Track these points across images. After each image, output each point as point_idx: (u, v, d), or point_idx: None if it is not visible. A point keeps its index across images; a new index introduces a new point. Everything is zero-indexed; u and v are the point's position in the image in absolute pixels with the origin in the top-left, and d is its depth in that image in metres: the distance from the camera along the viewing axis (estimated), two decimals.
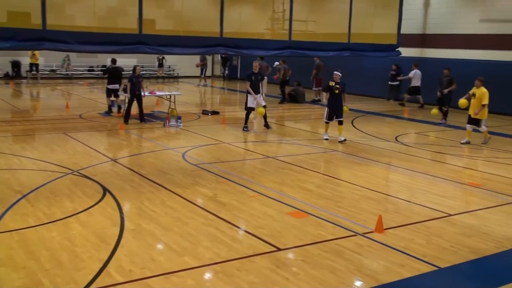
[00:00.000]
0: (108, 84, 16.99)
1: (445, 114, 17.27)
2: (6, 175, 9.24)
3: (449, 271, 5.91)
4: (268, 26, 19.06)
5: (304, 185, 9.27)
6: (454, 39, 21.41)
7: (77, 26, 14.51)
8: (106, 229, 6.74)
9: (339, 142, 13.27)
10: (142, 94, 15.32)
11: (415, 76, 21.29)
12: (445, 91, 16.90)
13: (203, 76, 29.48)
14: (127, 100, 15.44)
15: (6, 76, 28.62)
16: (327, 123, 13.74)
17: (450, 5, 21.80)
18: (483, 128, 13.68)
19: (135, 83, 14.97)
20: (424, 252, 6.34)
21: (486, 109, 13.46)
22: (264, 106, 15.11)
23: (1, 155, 10.80)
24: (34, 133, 13.69)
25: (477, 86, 13.51)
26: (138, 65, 15.59)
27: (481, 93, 13.32)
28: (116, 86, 16.72)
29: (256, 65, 15.41)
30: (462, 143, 13.61)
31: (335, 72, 13.56)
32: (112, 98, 16.88)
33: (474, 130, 13.80)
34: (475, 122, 13.60)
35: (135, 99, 15.16)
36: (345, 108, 13.68)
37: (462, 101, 14.13)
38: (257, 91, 14.99)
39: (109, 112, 17.00)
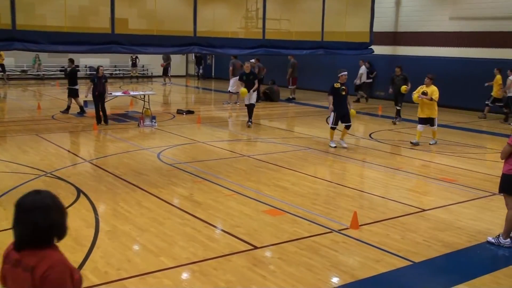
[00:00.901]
0: (72, 85, 16.80)
1: (398, 112, 16.70)
2: None
3: (424, 265, 6.00)
4: (241, 25, 19.07)
5: (280, 183, 9.30)
6: (425, 37, 21.72)
7: (48, 26, 14.30)
8: (81, 231, 6.66)
9: (343, 147, 12.38)
10: (106, 95, 14.96)
11: (364, 73, 22.05)
12: (404, 87, 15.74)
13: (168, 75, 29.31)
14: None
15: None
16: (333, 129, 12.51)
17: (421, 3, 22.10)
18: (435, 128, 13.18)
19: (97, 84, 14.67)
20: (399, 247, 6.43)
21: (436, 107, 12.97)
22: (252, 105, 15.44)
23: None
24: (5, 134, 13.44)
25: (427, 84, 12.92)
26: (101, 66, 15.28)
27: (432, 90, 12.77)
28: (77, 86, 16.71)
29: (247, 66, 15.64)
30: (412, 143, 13.06)
31: (342, 72, 12.33)
32: (80, 99, 16.73)
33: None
34: (426, 121, 12.98)
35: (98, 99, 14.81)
36: (352, 111, 12.74)
37: (403, 88, 15.21)
38: (249, 90, 15.16)
39: (82, 112, 16.81)
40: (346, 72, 12.33)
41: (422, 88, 12.95)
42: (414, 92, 13.21)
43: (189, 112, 17.93)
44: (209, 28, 17.23)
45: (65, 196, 8.12)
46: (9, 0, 13.01)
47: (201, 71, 33.46)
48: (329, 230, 6.97)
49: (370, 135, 14.50)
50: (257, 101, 21.88)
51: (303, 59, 23.28)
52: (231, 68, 21.15)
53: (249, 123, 15.35)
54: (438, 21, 21.13)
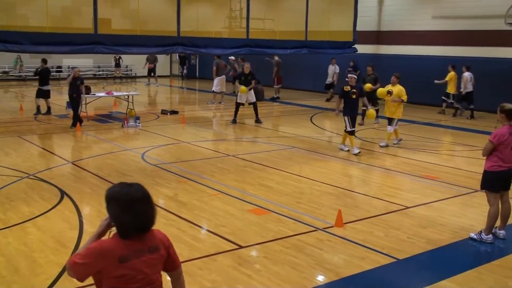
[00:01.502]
0: (42, 85, 16.57)
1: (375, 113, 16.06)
2: None
3: (407, 262, 6.06)
4: (225, 25, 19.04)
5: (264, 182, 9.32)
6: (408, 36, 21.88)
7: (30, 26, 14.16)
8: (64, 233, 6.62)
9: (355, 154, 11.65)
10: (81, 98, 14.71)
11: (333, 72, 22.28)
12: (373, 88, 15.03)
13: (155, 76, 29.07)
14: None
15: None
16: (350, 133, 11.81)
17: (404, 3, 22.27)
18: (395, 128, 12.69)
19: (73, 86, 14.41)
20: (383, 245, 6.48)
21: (402, 108, 12.59)
22: (254, 103, 15.67)
23: None
24: None
25: (394, 83, 12.60)
26: (76, 68, 15.05)
27: (399, 90, 12.42)
28: (49, 87, 16.54)
29: (247, 67, 15.77)
30: (381, 146, 12.61)
31: (349, 74, 12.01)
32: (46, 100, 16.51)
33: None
34: (388, 120, 12.69)
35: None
36: (371, 111, 12.69)
37: (368, 85, 14.66)
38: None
39: (38, 113, 16.58)
40: (352, 75, 11.97)
41: (387, 87, 12.68)
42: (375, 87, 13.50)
43: (174, 112, 17.88)
44: (192, 28, 17.18)
45: (48, 198, 8.06)
46: None
47: (185, 71, 33.36)
48: (314, 229, 7.00)
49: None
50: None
51: (287, 58, 23.31)
52: (214, 68, 21.10)
53: (258, 121, 15.78)
54: (420, 20, 21.30)
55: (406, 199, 8.55)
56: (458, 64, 18.72)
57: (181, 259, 5.81)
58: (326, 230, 6.96)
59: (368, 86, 15.06)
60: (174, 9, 16.40)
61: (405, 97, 12.39)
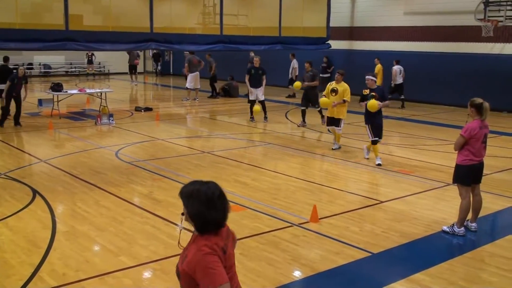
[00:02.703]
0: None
1: (320, 113, 15.03)
2: None
3: (382, 256, 6.12)
4: (199, 21, 18.96)
5: (240, 178, 9.31)
6: (380, 31, 22.08)
7: None
8: (37, 233, 6.52)
9: (377, 165, 10.45)
10: (23, 97, 14.17)
11: (296, 67, 22.39)
12: (305, 84, 14.77)
13: (136, 73, 28.57)
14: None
15: None
16: (374, 142, 10.45)
17: None
18: (340, 130, 11.87)
19: (16, 84, 13.79)
20: (358, 239, 6.53)
21: (346, 107, 11.80)
22: (262, 101, 15.48)
23: None
24: None
25: (338, 80, 11.75)
26: (21, 66, 14.40)
27: (343, 89, 11.60)
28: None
29: (256, 60, 15.58)
30: (334, 149, 11.89)
31: (366, 76, 10.57)
32: None
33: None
34: (333, 122, 11.86)
35: (12, 100, 13.91)
36: (324, 100, 11.73)
37: (297, 84, 14.48)
38: (257, 85, 15.25)
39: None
40: (369, 76, 10.49)
41: (331, 85, 11.91)
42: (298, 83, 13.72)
43: (148, 109, 17.73)
44: (166, 24, 17.05)
45: (20, 197, 7.93)
46: None
47: (159, 67, 33.10)
48: (290, 224, 7.02)
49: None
50: (216, 96, 21.94)
51: (261, 54, 23.28)
52: (186, 64, 20.94)
53: (265, 119, 15.65)
54: (392, 16, 21.51)
55: (380, 193, 8.64)
56: (434, 59, 18.95)
57: (156, 257, 5.83)
58: (302, 225, 6.99)
59: (297, 84, 14.64)
60: (147, 4, 16.25)
61: (348, 97, 11.54)
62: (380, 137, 10.50)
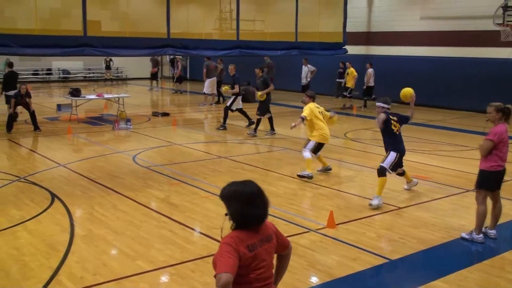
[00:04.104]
0: (7, 90, 15.30)
1: (270, 123, 14.36)
2: None
3: (399, 263, 6.08)
4: (216, 26, 19.07)
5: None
6: (396, 36, 21.99)
7: (18, 28, 14.12)
8: (55, 236, 6.58)
9: (407, 188, 9.15)
10: (31, 110, 14.08)
11: (306, 73, 22.44)
12: (259, 93, 14.11)
13: (158, 79, 28.61)
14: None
15: None
16: (384, 173, 8.20)
17: (392, 4, 22.37)
18: (305, 152, 9.78)
19: (19, 102, 13.96)
20: (375, 245, 6.49)
21: (316, 129, 9.73)
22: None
23: None
24: None
25: (306, 102, 9.95)
26: (24, 85, 14.21)
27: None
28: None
29: (231, 68, 15.28)
30: (319, 171, 10.23)
31: (376, 103, 8.55)
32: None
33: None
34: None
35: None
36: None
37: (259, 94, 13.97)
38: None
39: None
40: (383, 104, 8.36)
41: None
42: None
43: (165, 114, 17.84)
44: (183, 29, 17.18)
45: (39, 201, 8.01)
46: None
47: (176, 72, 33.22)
48: (306, 230, 7.00)
49: (345, 134, 14.61)
50: (218, 103, 21.88)
51: (278, 60, 23.34)
52: (205, 70, 21.05)
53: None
54: (409, 21, 21.42)
55: (397, 199, 8.58)
56: (451, 64, 18.80)
57: (173, 262, 5.84)
58: (318, 231, 6.97)
59: (259, 94, 13.99)
60: (163, 10, 16.40)
61: (305, 113, 9.65)
62: (395, 171, 8.58)
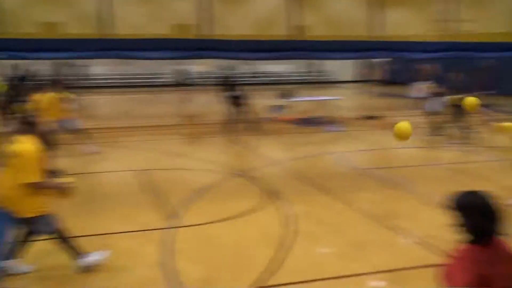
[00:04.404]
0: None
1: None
2: (186, 175, 10.00)
3: None
4: (429, 28, 18.31)
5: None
6: None
7: (233, 35, 15.26)
8: (272, 230, 6.79)
9: None
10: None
11: None
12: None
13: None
14: None
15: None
16: None
17: None
18: None
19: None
20: None
21: None
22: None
23: (177, 156, 11.71)
24: (202, 136, 14.45)
25: None
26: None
27: None
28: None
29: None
30: None
31: None
32: None
33: None
34: None
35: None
36: None
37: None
38: None
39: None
40: None
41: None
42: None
43: (374, 117, 17.59)
44: (393, 32, 16.84)
45: (256, 195, 8.39)
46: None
47: (385, 76, 32.71)
48: None
49: None
50: None
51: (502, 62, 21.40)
52: (417, 73, 20.21)
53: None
54: None
55: None
56: None
57: (386, 268, 5.60)
58: None
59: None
60: (373, 13, 16.22)
61: None
62: None
